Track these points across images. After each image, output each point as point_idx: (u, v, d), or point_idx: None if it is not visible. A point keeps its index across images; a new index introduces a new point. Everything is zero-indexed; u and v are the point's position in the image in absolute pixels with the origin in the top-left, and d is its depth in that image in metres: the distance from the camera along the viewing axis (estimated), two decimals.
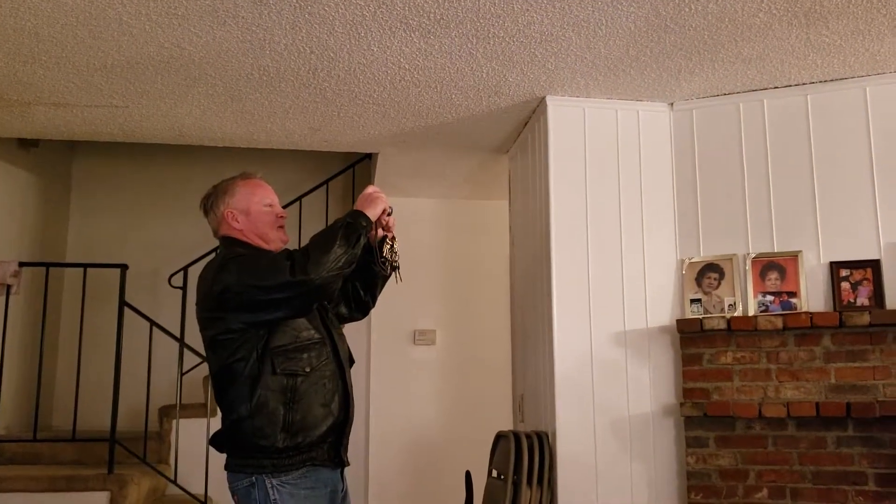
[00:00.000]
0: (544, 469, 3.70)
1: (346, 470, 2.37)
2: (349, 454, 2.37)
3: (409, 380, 5.69)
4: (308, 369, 2.19)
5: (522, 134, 4.42)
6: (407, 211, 5.48)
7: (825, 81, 3.81)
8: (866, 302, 3.63)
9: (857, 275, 3.67)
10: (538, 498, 3.65)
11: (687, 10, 3.06)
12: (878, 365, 3.55)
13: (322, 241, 2.18)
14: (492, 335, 5.57)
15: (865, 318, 3.51)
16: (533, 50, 3.38)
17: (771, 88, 3.87)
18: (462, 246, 5.88)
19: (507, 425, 4.53)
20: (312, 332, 2.24)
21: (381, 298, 2.66)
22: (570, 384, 3.82)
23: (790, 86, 3.85)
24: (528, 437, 3.75)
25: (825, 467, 3.55)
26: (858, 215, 3.73)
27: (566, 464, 3.75)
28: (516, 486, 3.63)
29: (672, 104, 4.03)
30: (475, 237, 5.86)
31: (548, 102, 3.94)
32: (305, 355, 2.20)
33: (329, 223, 2.53)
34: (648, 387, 3.87)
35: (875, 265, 3.65)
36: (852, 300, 3.65)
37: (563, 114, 3.98)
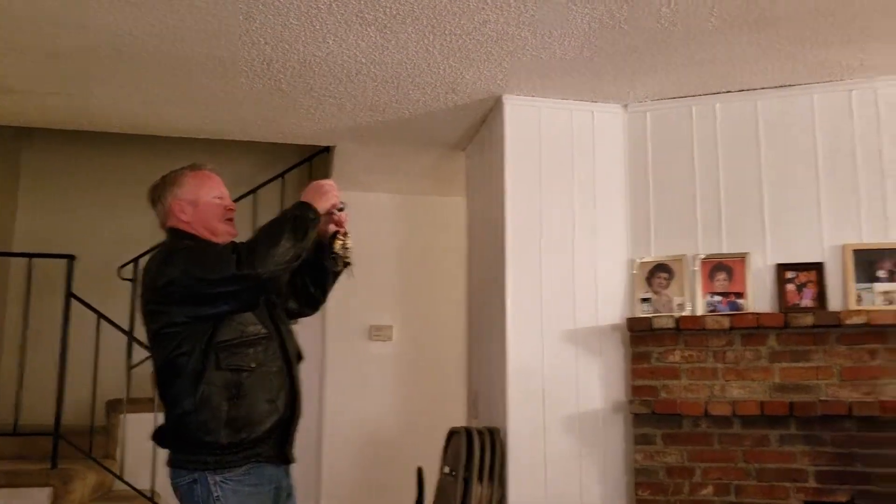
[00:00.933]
0: (496, 465, 3.72)
1: (295, 466, 2.35)
2: (298, 451, 2.35)
3: (365, 376, 5.67)
4: (253, 365, 2.17)
5: (480, 132, 4.43)
6: (365, 205, 5.46)
7: (775, 87, 3.88)
8: (810, 303, 3.71)
9: (803, 277, 3.76)
10: (489, 494, 3.67)
11: (640, 12, 3.10)
12: (820, 365, 3.63)
13: (269, 234, 2.15)
14: (449, 332, 5.58)
15: (809, 320, 3.59)
16: (489, 48, 3.39)
17: (723, 92, 3.94)
18: (420, 242, 5.87)
19: (462, 422, 4.54)
20: (259, 327, 2.21)
21: (336, 294, 2.64)
22: (522, 381, 3.85)
23: (741, 90, 3.92)
24: (481, 433, 3.76)
25: (768, 465, 3.63)
26: (805, 219, 3.81)
27: (517, 460, 3.78)
28: (467, 482, 3.64)
29: (626, 106, 4.08)
30: (433, 233, 5.86)
31: (504, 101, 3.96)
32: (251, 350, 2.18)
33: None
34: (599, 384, 3.92)
35: (819, 268, 3.74)
36: (797, 302, 3.73)
37: (519, 113, 4.00)
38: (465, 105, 4.06)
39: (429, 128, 4.42)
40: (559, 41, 3.35)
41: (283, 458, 2.27)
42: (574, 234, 4.01)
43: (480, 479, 3.63)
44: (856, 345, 3.59)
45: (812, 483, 3.57)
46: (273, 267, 2.10)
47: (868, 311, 3.55)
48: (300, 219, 2.21)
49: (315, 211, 2.26)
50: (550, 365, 3.90)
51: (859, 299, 3.66)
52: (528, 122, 4.02)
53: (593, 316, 3.97)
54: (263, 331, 2.22)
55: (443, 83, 3.78)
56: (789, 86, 3.86)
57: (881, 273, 3.67)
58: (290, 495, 2.31)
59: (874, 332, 3.56)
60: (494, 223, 4.09)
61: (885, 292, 3.64)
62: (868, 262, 3.69)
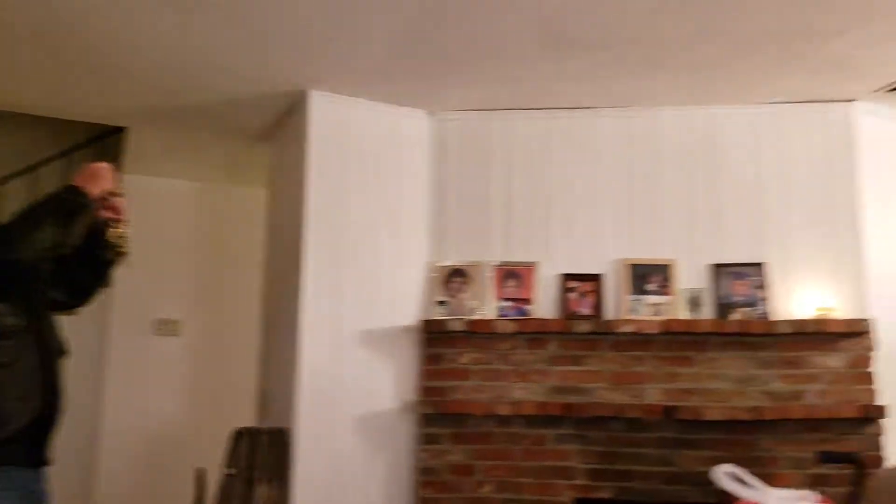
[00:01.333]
0: (282, 466, 3.66)
1: (65, 468, 2.16)
2: (69, 452, 2.17)
3: (149, 372, 5.35)
4: (6, 360, 1.97)
5: (284, 125, 4.34)
6: (159, 192, 5.19)
7: (569, 108, 4.12)
8: (589, 312, 3.98)
9: (584, 287, 4.02)
10: (273, 496, 3.59)
11: (444, 25, 3.18)
12: (594, 369, 3.90)
13: (30, 217, 1.97)
14: (242, 328, 5.37)
15: (586, 326, 3.85)
16: (294, 41, 3.33)
17: (523, 109, 4.13)
18: (217, 233, 5.63)
19: (252, 421, 4.42)
20: (14, 318, 2.01)
21: (120, 284, 2.47)
22: (314, 381, 3.81)
23: (540, 108, 4.13)
24: (268, 433, 3.68)
25: (544, 463, 3.84)
26: (588, 233, 4.08)
27: (306, 460, 3.73)
28: (251, 483, 3.55)
29: (432, 113, 4.17)
30: (231, 224, 5.63)
31: (310, 96, 3.91)
32: (3, 344, 1.98)
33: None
34: (391, 385, 3.97)
35: (599, 279, 4.02)
36: (578, 309, 3.99)
37: (325, 110, 3.96)
38: (268, 96, 3.96)
39: (230, 116, 4.27)
40: (365, 43, 3.35)
41: (37, 461, 2.08)
42: (376, 235, 4.04)
43: (265, 480, 3.55)
44: (625, 351, 3.90)
45: (582, 480, 3.82)
46: (31, 252, 1.92)
47: (637, 321, 3.86)
48: (67, 202, 2.04)
49: (86, 195, 2.09)
50: (345, 365, 3.89)
51: (631, 309, 3.96)
52: (333, 119, 3.99)
53: (391, 317, 4.01)
54: (19, 323, 2.02)
55: (244, 72, 3.67)
56: (581, 108, 4.12)
57: (651, 286, 4.00)
58: (41, 500, 2.12)
59: (642, 340, 3.88)
60: (294, 219, 4.02)
61: (654, 304, 3.97)
62: (641, 276, 4.02)
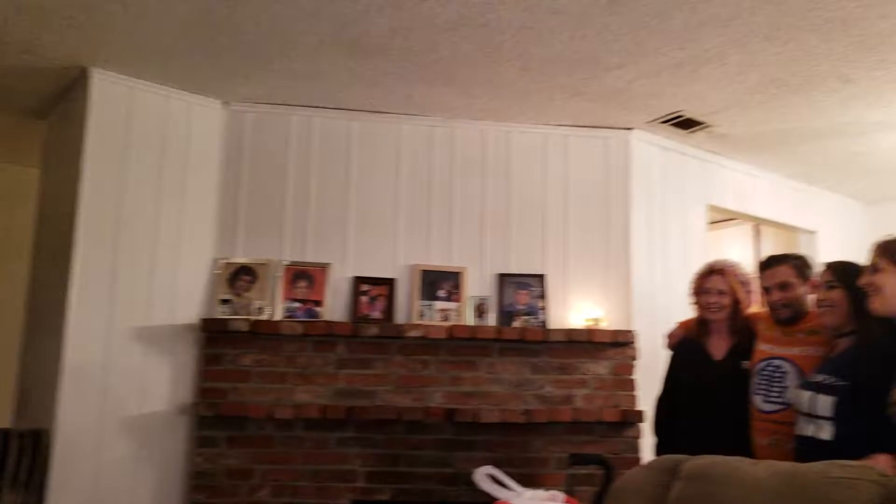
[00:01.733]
0: (35, 471, 3.37)
1: None
2: None
3: None
4: None
5: (62, 102, 4.01)
6: None
7: (370, 111, 4.14)
8: (379, 315, 4.01)
9: (376, 290, 4.04)
10: (22, 502, 3.30)
11: (239, 16, 3.08)
12: (380, 373, 3.94)
13: None
14: (3, 319, 4.91)
15: (374, 330, 3.88)
16: (72, 14, 3.08)
17: (322, 107, 4.09)
18: None
19: (7, 422, 4.04)
20: None
21: None
22: (80, 379, 3.54)
23: (339, 108, 4.11)
24: (20, 435, 3.38)
25: (325, 466, 3.82)
26: (384, 237, 4.12)
27: (64, 465, 3.46)
28: None
29: (227, 103, 4.02)
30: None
31: (91, 74, 3.64)
32: None
33: None
34: (167, 385, 3.78)
35: (391, 283, 4.06)
36: (368, 313, 4.00)
37: (107, 90, 3.70)
38: (43, 70, 3.64)
39: (1, 88, 3.88)
40: (155, 23, 3.17)
41: None
42: (157, 226, 3.83)
43: (14, 486, 3.26)
44: (413, 355, 3.97)
45: (361, 483, 3.84)
46: None
47: (426, 326, 3.94)
48: None
49: None
50: (115, 363, 3.65)
51: (421, 314, 4.04)
52: (116, 100, 3.74)
53: (170, 314, 3.82)
54: None
55: (15, 41, 3.34)
56: (382, 112, 4.15)
57: (441, 293, 4.10)
58: None
59: (429, 345, 3.97)
60: (67, 204, 3.72)
61: (443, 310, 4.07)
62: (432, 282, 4.11)
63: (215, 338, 3.81)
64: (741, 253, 5.67)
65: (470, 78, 3.73)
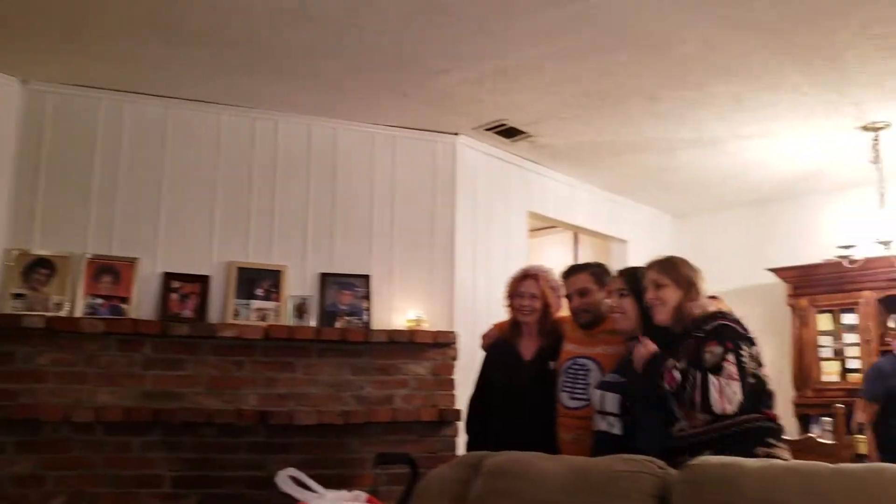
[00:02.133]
0: None
1: None
2: None
3: None
4: None
5: None
6: None
7: (188, 100, 3.95)
8: (191, 314, 3.83)
9: (188, 288, 3.86)
10: None
11: None
12: (191, 374, 3.76)
13: None
14: None
15: (185, 329, 3.70)
16: None
17: (135, 92, 3.87)
18: None
19: None
20: None
21: None
22: None
23: (154, 95, 3.90)
24: None
25: (127, 472, 3.60)
26: (198, 232, 3.94)
27: None
28: None
29: (25, 82, 3.71)
30: None
31: None
32: None
33: None
34: None
35: (205, 280, 3.89)
36: (179, 311, 3.82)
37: None
38: None
39: None
40: None
41: None
42: None
43: None
44: (226, 356, 3.82)
45: (167, 489, 3.65)
46: None
47: (240, 325, 3.81)
48: None
49: None
50: None
51: (236, 313, 3.91)
52: None
53: None
54: None
55: None
56: (201, 101, 3.98)
57: (259, 291, 3.98)
58: None
59: (243, 345, 3.84)
60: None
61: (260, 309, 3.96)
62: (250, 280, 3.98)
63: (6, 335, 3.49)
64: (562, 259, 5.92)
65: (295, 71, 3.66)
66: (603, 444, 2.67)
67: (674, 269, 2.59)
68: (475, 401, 3.38)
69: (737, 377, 2.31)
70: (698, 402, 2.33)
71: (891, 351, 4.25)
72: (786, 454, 2.41)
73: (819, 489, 1.78)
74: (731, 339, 2.38)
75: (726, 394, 2.30)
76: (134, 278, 3.75)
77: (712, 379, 2.32)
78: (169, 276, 3.82)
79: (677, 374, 2.39)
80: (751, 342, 2.41)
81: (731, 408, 2.29)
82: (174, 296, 3.81)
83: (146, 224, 3.85)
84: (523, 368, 3.21)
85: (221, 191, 4.01)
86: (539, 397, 3.10)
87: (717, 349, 2.37)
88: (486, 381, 3.36)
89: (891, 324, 3.98)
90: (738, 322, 2.46)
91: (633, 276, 2.75)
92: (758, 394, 2.39)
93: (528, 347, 3.26)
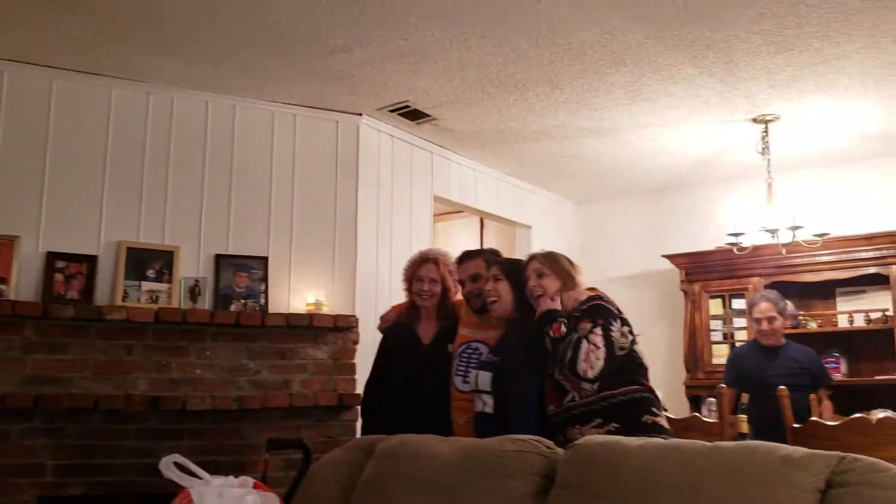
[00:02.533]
0: None
1: None
2: None
3: None
4: None
5: None
6: None
7: (74, 71, 3.76)
8: (77, 296, 3.66)
9: (73, 268, 3.69)
10: None
11: None
12: (76, 358, 3.60)
13: None
14: None
15: (70, 311, 3.54)
16: None
17: (17, 61, 3.65)
18: None
19: None
20: None
21: None
22: None
23: (39, 65, 3.69)
24: None
25: (5, 461, 3.41)
26: (86, 210, 3.77)
27: None
28: None
29: None
30: None
31: None
32: None
33: None
34: None
35: (92, 261, 3.73)
36: (63, 293, 3.64)
37: None
38: None
39: None
40: None
41: None
42: None
43: None
44: (114, 339, 3.67)
45: (49, 478, 3.48)
46: None
47: (129, 308, 3.67)
48: None
49: None
50: None
51: (126, 295, 3.75)
52: None
53: None
54: None
55: None
56: (91, 73, 3.79)
57: (150, 272, 3.84)
58: None
59: (133, 328, 3.69)
60: None
61: (151, 290, 3.82)
62: (141, 261, 3.83)
63: None
64: (468, 244, 5.96)
65: (191, 47, 3.53)
66: (480, 425, 2.73)
67: (555, 262, 2.76)
68: (372, 384, 3.36)
69: (601, 346, 2.52)
70: (567, 359, 2.53)
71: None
72: (665, 422, 2.62)
73: (695, 466, 1.84)
74: (601, 315, 2.61)
75: (590, 359, 2.50)
76: (13, 257, 3.55)
77: (584, 343, 2.52)
78: (53, 256, 3.64)
79: (563, 328, 2.58)
80: (622, 321, 2.63)
81: (592, 372, 2.49)
82: (59, 276, 3.63)
83: (28, 201, 3.64)
84: (422, 352, 3.21)
85: (111, 167, 3.83)
86: (438, 381, 3.11)
87: (588, 325, 2.57)
88: (384, 364, 3.35)
89: (757, 314, 4.17)
90: (610, 303, 2.67)
91: (508, 265, 2.90)
92: (634, 367, 2.61)
93: (426, 331, 3.26)
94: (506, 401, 2.63)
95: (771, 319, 4.18)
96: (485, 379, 2.73)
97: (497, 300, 2.82)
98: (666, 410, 2.83)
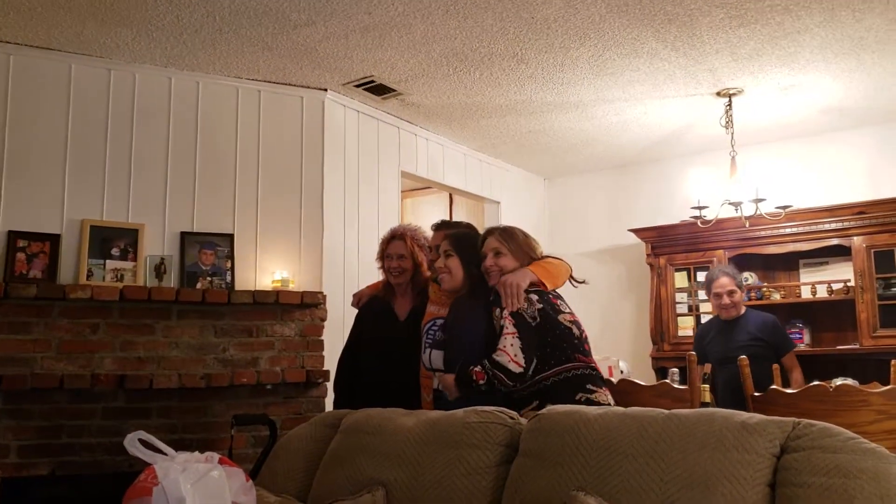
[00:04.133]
0: None
1: None
2: None
3: None
4: None
5: None
6: None
7: (30, 46, 3.69)
8: (39, 275, 3.62)
9: (35, 247, 3.65)
10: None
11: None
12: (39, 338, 3.57)
13: None
14: None
15: (33, 291, 3.50)
16: None
17: None
18: None
19: None
20: None
21: None
22: None
23: None
24: None
25: None
26: (46, 188, 3.71)
27: None
28: None
29: None
30: None
31: None
32: None
33: None
34: None
35: (55, 239, 3.68)
36: (25, 272, 3.60)
37: None
38: None
39: None
40: None
41: None
42: None
43: None
44: (79, 318, 3.64)
45: (14, 458, 3.46)
46: None
47: (93, 286, 3.63)
48: None
49: None
50: None
51: (90, 274, 3.72)
52: None
53: None
54: None
55: None
56: (48, 49, 3.72)
57: (115, 251, 3.80)
58: None
59: (98, 307, 3.67)
60: None
61: (116, 269, 3.78)
62: (104, 239, 3.79)
63: None
64: (437, 220, 5.95)
65: (150, 20, 3.47)
66: (439, 404, 2.73)
67: (512, 239, 2.72)
68: (344, 359, 3.37)
69: (514, 331, 2.47)
70: (505, 378, 2.46)
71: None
72: (606, 398, 2.58)
73: (653, 432, 1.88)
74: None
75: (511, 353, 2.45)
76: None
77: (498, 351, 2.47)
78: (14, 235, 3.58)
79: (479, 368, 2.49)
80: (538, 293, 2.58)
81: (522, 365, 2.44)
82: (21, 255, 3.59)
83: None
84: (398, 328, 3.21)
85: (73, 145, 3.78)
86: (411, 357, 3.11)
87: (498, 311, 2.55)
88: (357, 339, 3.35)
89: (717, 289, 4.24)
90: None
91: (458, 238, 2.85)
92: (569, 342, 2.55)
93: (402, 307, 3.26)
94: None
95: (731, 293, 4.26)
96: (437, 358, 2.73)
97: (447, 276, 2.79)
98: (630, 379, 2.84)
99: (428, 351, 2.82)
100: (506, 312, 2.50)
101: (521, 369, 2.44)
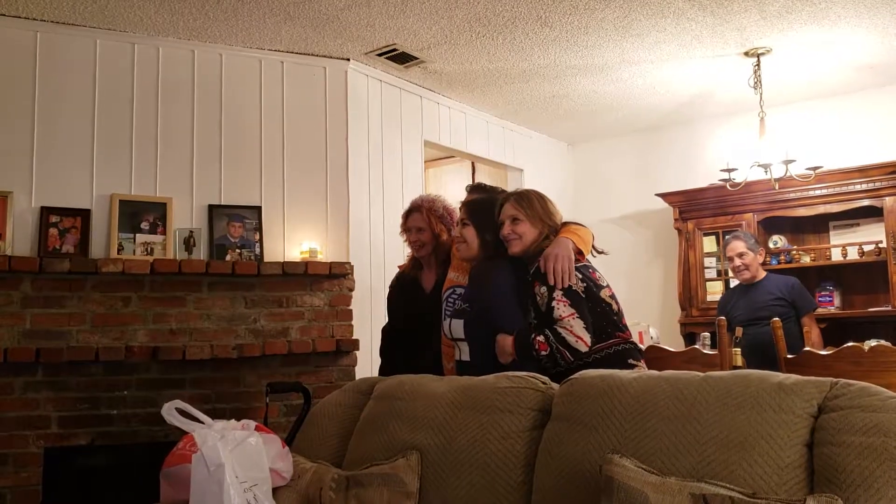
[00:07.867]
0: None
1: None
2: None
3: None
4: None
5: None
6: None
7: (56, 22, 3.70)
8: (72, 249, 3.66)
9: (67, 222, 3.69)
10: None
11: None
12: (74, 311, 3.62)
13: None
14: None
15: (66, 265, 3.54)
16: None
17: (4, 15, 3.58)
18: None
19: None
20: None
21: None
22: None
23: (21, 17, 3.63)
24: None
25: (10, 413, 3.46)
26: (76, 164, 3.75)
27: None
28: None
29: None
30: None
31: None
32: None
33: None
34: None
35: (86, 214, 3.72)
36: (58, 247, 3.65)
37: None
38: None
39: None
40: None
41: None
42: None
43: None
44: (111, 292, 3.68)
45: (54, 429, 3.54)
46: None
47: (125, 260, 3.67)
48: None
49: None
50: None
51: (121, 248, 3.76)
52: None
53: None
54: None
55: None
56: (73, 25, 3.73)
57: (144, 224, 3.84)
58: None
59: (129, 281, 3.71)
60: None
61: (145, 243, 3.82)
62: (133, 213, 3.83)
63: None
64: (460, 188, 5.94)
65: None
66: (461, 372, 2.69)
67: (530, 205, 2.61)
68: (385, 330, 3.39)
69: (573, 312, 2.40)
70: (569, 355, 2.40)
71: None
72: (645, 370, 2.52)
73: (688, 395, 1.87)
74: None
75: (578, 333, 2.39)
76: (8, 213, 3.54)
77: (559, 330, 2.40)
78: (47, 211, 3.63)
79: (542, 338, 2.43)
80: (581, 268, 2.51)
81: (586, 344, 2.39)
82: (53, 231, 3.63)
83: (18, 156, 3.62)
84: (424, 299, 3.21)
85: (100, 120, 3.80)
86: (435, 327, 3.12)
87: (543, 289, 2.47)
88: (394, 311, 3.37)
89: (730, 253, 4.23)
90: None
91: (474, 208, 2.77)
92: (610, 319, 2.50)
93: (428, 280, 3.26)
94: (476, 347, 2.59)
95: (741, 255, 4.26)
96: (458, 327, 2.68)
97: (464, 245, 2.73)
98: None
99: (448, 320, 2.78)
100: (558, 293, 2.42)
101: (587, 347, 2.40)
